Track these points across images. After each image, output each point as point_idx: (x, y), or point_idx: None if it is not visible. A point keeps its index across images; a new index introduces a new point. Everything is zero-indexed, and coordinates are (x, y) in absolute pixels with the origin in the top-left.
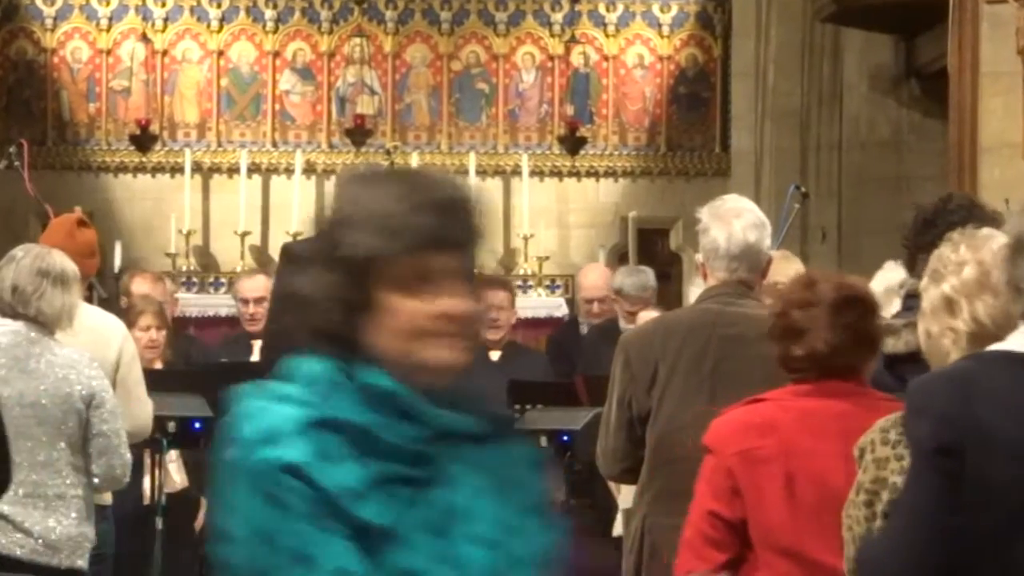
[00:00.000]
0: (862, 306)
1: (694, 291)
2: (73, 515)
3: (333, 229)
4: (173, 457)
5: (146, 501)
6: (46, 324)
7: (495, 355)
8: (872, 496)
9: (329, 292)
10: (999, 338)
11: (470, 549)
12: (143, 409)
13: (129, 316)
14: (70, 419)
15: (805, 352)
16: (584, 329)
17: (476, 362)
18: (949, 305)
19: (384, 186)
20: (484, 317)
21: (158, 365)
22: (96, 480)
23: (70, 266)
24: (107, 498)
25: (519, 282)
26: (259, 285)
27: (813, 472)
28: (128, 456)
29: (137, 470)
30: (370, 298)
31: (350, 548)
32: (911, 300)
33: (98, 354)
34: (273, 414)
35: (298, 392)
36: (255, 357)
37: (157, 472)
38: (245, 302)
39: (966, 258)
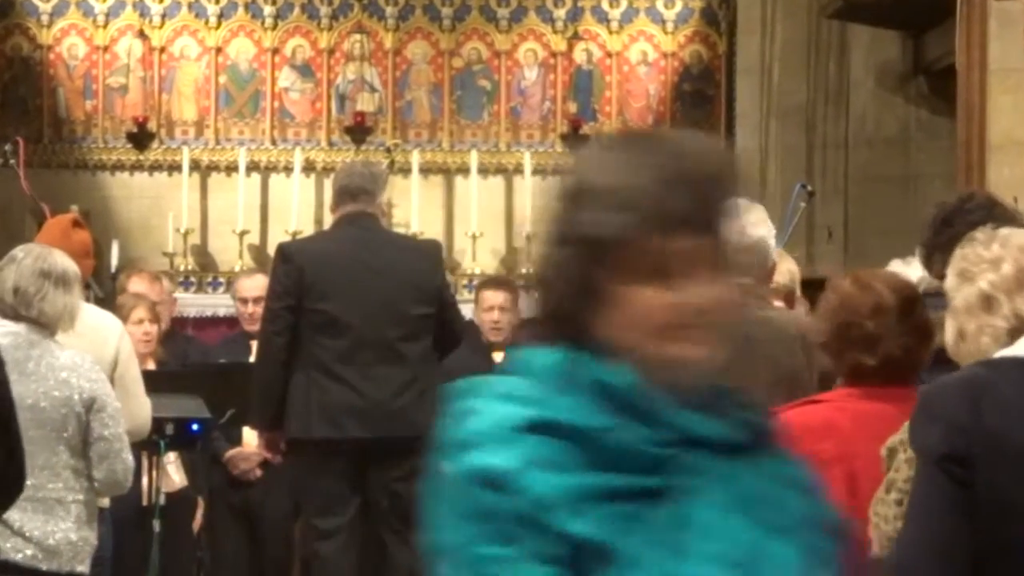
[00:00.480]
0: (918, 300)
1: None
2: (73, 520)
3: (567, 202)
4: (171, 457)
5: (144, 503)
6: (48, 325)
7: (499, 357)
8: (903, 495)
9: (561, 275)
10: None
11: (706, 570)
12: (142, 407)
13: (121, 312)
14: (70, 423)
15: (879, 361)
16: None
17: (481, 365)
18: (987, 302)
19: (627, 154)
20: (737, 305)
21: (151, 364)
22: (98, 485)
23: (71, 266)
24: (104, 501)
25: (521, 282)
26: (258, 284)
27: (873, 475)
28: (131, 461)
29: (134, 472)
30: (607, 284)
31: (549, 571)
32: (928, 299)
33: (95, 352)
34: (486, 415)
35: (522, 388)
36: (254, 358)
37: (154, 474)
38: (244, 302)
39: (1001, 255)
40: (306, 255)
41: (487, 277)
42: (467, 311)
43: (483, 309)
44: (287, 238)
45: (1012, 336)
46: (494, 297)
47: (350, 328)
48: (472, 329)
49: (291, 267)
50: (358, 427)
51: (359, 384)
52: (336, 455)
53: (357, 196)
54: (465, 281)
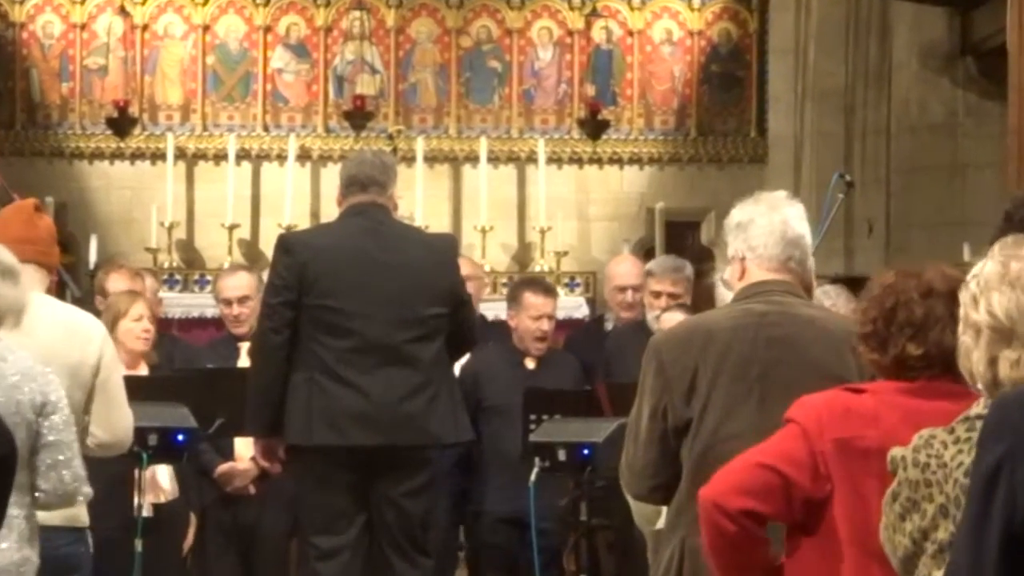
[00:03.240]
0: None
1: (722, 289)
2: (15, 538)
3: None
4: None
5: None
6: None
7: (530, 363)
8: (905, 510)
9: None
10: (1015, 334)
11: None
12: (125, 417)
13: (117, 307)
14: (18, 432)
15: (927, 349)
16: (609, 326)
17: (511, 371)
18: (974, 301)
19: None
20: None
21: (143, 368)
22: (43, 496)
23: (12, 257)
24: (84, 519)
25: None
26: (242, 283)
27: None
28: (82, 470)
29: (120, 485)
30: None
31: None
32: None
33: (76, 355)
34: None
35: None
36: (243, 362)
37: (136, 490)
38: (228, 302)
39: (994, 253)
40: (309, 248)
41: (527, 277)
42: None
43: (530, 316)
44: (280, 232)
45: (990, 334)
46: (545, 305)
47: (355, 327)
48: (488, 327)
49: (292, 260)
50: (362, 434)
51: (364, 386)
52: (339, 465)
53: (367, 186)
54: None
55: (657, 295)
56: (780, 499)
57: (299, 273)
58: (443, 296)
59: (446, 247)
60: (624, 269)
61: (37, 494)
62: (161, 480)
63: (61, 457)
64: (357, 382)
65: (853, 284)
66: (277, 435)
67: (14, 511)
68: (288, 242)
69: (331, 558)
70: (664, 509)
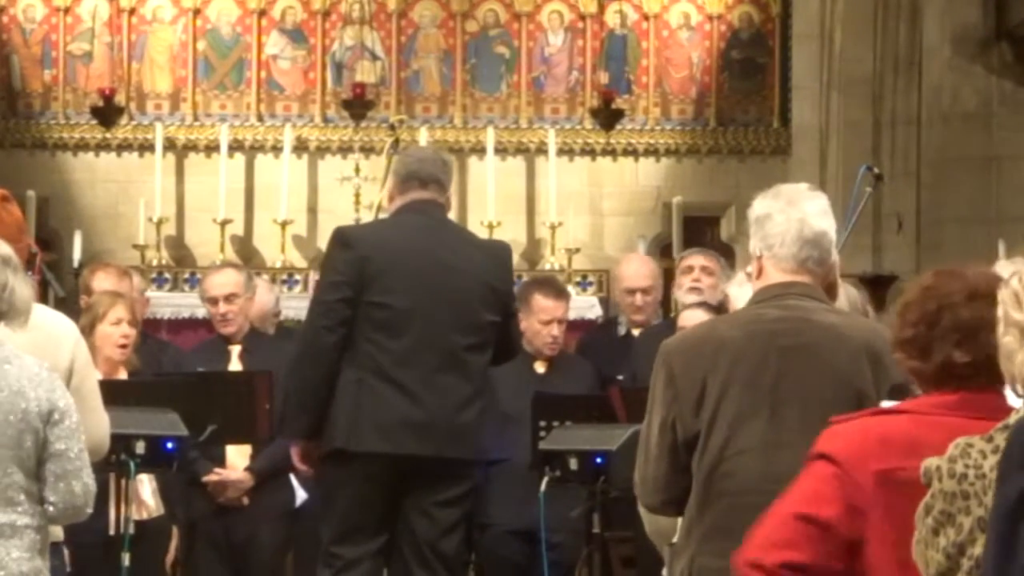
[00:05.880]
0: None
1: (739, 292)
2: (26, 548)
3: None
4: (144, 479)
5: (111, 532)
6: (13, 320)
7: (540, 367)
8: (939, 525)
9: None
10: None
11: None
12: (101, 423)
13: (95, 310)
14: (25, 439)
15: (974, 356)
16: (622, 330)
17: (520, 376)
18: (1015, 299)
19: None
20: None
21: (123, 373)
22: (52, 509)
23: (8, 249)
24: (59, 532)
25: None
26: (229, 280)
27: None
28: (91, 482)
29: (102, 496)
30: None
31: None
32: None
33: (48, 358)
34: None
35: None
36: (234, 365)
37: (123, 500)
38: (214, 301)
39: None
40: (369, 242)
41: (538, 277)
42: None
43: (540, 320)
44: (275, 227)
45: None
46: (556, 308)
47: (414, 327)
48: None
49: (352, 255)
50: (415, 443)
51: (419, 393)
52: (380, 473)
53: (427, 184)
54: None
55: (690, 269)
56: (819, 546)
57: (359, 268)
58: (498, 304)
59: (504, 253)
60: (632, 270)
61: (47, 506)
62: (144, 495)
63: (70, 467)
64: (411, 387)
65: (881, 283)
66: (316, 439)
67: (25, 520)
68: (347, 236)
69: (350, 570)
70: (680, 522)
